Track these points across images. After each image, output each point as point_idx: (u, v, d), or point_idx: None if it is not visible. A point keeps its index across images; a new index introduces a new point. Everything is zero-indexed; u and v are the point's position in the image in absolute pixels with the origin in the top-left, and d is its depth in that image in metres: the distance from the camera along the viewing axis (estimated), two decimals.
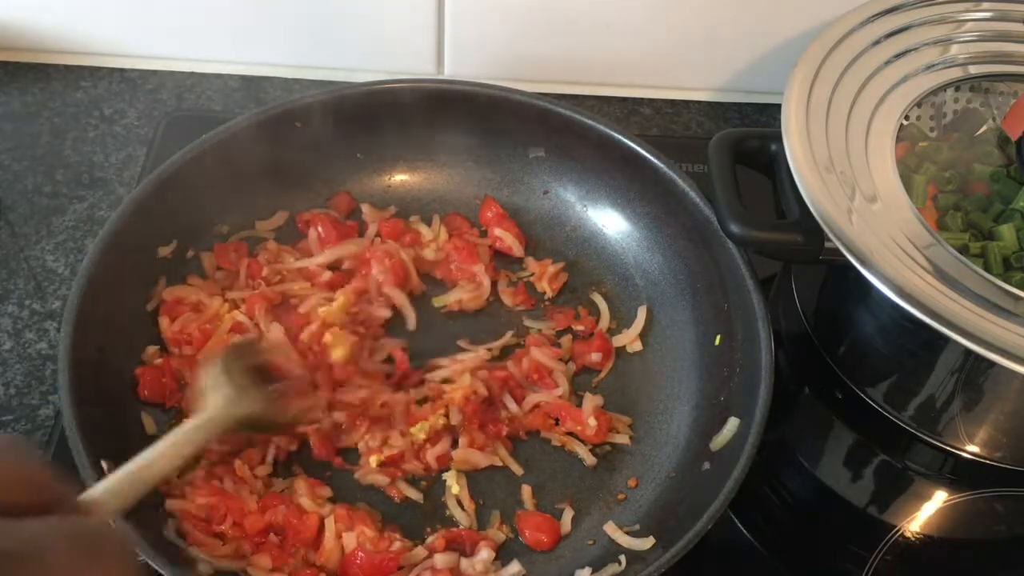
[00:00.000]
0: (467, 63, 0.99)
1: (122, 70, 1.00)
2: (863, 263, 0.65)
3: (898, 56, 0.77)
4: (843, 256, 0.66)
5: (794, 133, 0.71)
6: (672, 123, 1.00)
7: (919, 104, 0.77)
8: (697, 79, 1.01)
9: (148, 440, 0.69)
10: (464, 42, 0.97)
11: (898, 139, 0.74)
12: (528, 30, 0.96)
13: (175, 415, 0.75)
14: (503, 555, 0.71)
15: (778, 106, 0.98)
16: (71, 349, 0.68)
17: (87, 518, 0.44)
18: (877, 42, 0.77)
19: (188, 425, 0.63)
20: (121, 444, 0.66)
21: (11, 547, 0.38)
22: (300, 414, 0.73)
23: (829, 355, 0.80)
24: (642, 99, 1.01)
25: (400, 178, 0.88)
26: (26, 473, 0.41)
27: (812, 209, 0.67)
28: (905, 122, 0.75)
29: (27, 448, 0.44)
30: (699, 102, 1.01)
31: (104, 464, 0.64)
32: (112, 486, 0.54)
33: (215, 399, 0.66)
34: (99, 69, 1.00)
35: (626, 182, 0.83)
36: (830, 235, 0.66)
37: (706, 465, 0.71)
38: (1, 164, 0.92)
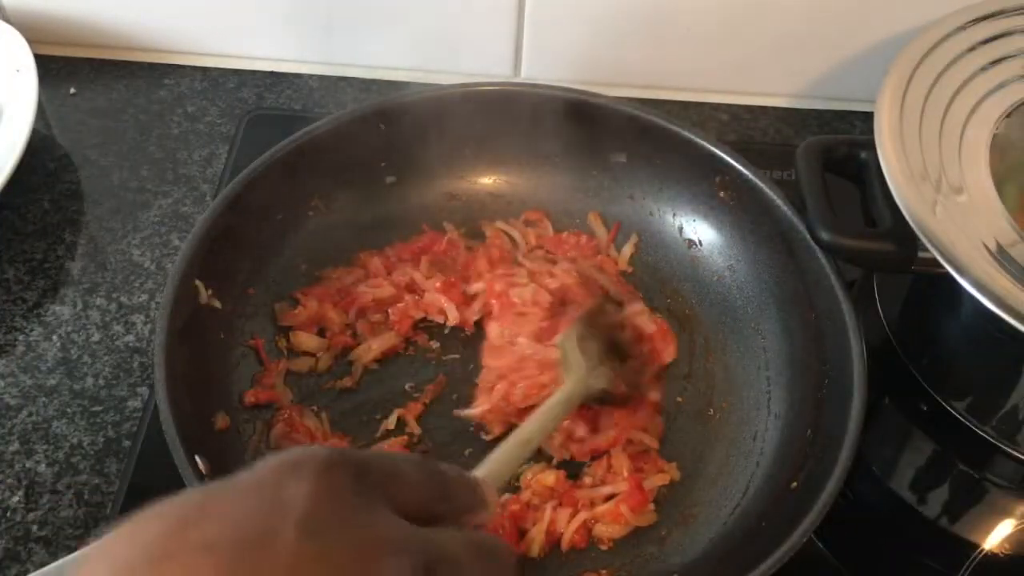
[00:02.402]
0: (544, 66, 0.99)
1: (204, 68, 1.02)
2: (961, 273, 0.64)
3: (994, 63, 0.75)
4: (937, 266, 0.65)
5: (888, 141, 0.71)
6: (750, 129, 0.99)
7: (1009, 115, 0.76)
8: (775, 85, 1.00)
9: (219, 435, 0.72)
10: (542, 45, 0.97)
11: (991, 147, 0.73)
12: (605, 34, 0.96)
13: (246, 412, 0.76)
14: None
15: (858, 113, 1.00)
16: (166, 346, 0.69)
17: (485, 531, 0.49)
18: (972, 48, 0.76)
19: (553, 400, 0.66)
20: (202, 439, 0.68)
21: (433, 556, 0.40)
22: (640, 386, 0.75)
23: (913, 364, 0.79)
24: (719, 104, 1.01)
25: (483, 181, 0.89)
26: (438, 489, 0.45)
27: (908, 218, 0.66)
28: (997, 131, 0.74)
29: (431, 465, 0.46)
30: (777, 108, 1.01)
31: (199, 460, 0.65)
32: (493, 468, 0.56)
33: (574, 374, 0.69)
34: (182, 67, 1.02)
35: (709, 188, 0.83)
36: (927, 244, 0.65)
37: (794, 484, 0.70)
38: (88, 159, 0.94)
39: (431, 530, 0.42)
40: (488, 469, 0.56)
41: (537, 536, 0.70)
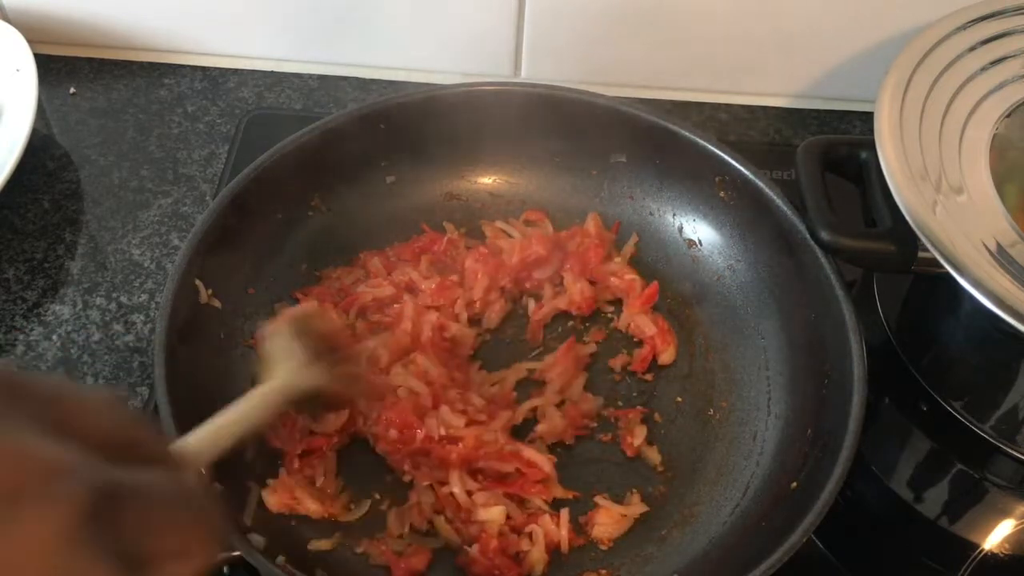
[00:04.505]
0: (544, 66, 0.99)
1: (204, 68, 1.02)
2: (961, 273, 0.64)
3: (994, 63, 0.75)
4: (937, 266, 0.65)
5: (888, 141, 0.71)
6: (750, 129, 0.99)
7: (1009, 115, 0.76)
8: (775, 85, 1.00)
9: None
10: (542, 45, 0.97)
11: (990, 147, 0.73)
12: (605, 34, 0.96)
13: None
14: None
15: (858, 113, 1.00)
16: (165, 346, 0.69)
17: (186, 474, 0.43)
18: (972, 48, 0.76)
19: (264, 388, 0.63)
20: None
21: (121, 485, 0.36)
22: (357, 390, 0.73)
23: (913, 364, 0.79)
24: (719, 104, 1.01)
25: (483, 180, 0.89)
26: (124, 426, 0.40)
27: (908, 218, 0.66)
28: (997, 131, 0.74)
29: (123, 402, 0.42)
30: (777, 108, 1.01)
31: None
32: (201, 438, 0.54)
33: (286, 367, 0.65)
34: (182, 67, 1.02)
35: (709, 188, 0.83)
36: (927, 244, 0.65)
37: (794, 484, 0.70)
38: (88, 159, 0.94)
39: (116, 466, 0.37)
40: (196, 438, 0.54)
41: (539, 557, 0.70)
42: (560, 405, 0.77)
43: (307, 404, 0.69)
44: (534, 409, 0.76)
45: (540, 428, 0.75)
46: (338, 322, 0.78)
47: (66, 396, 0.39)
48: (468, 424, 0.72)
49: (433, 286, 0.80)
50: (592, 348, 0.81)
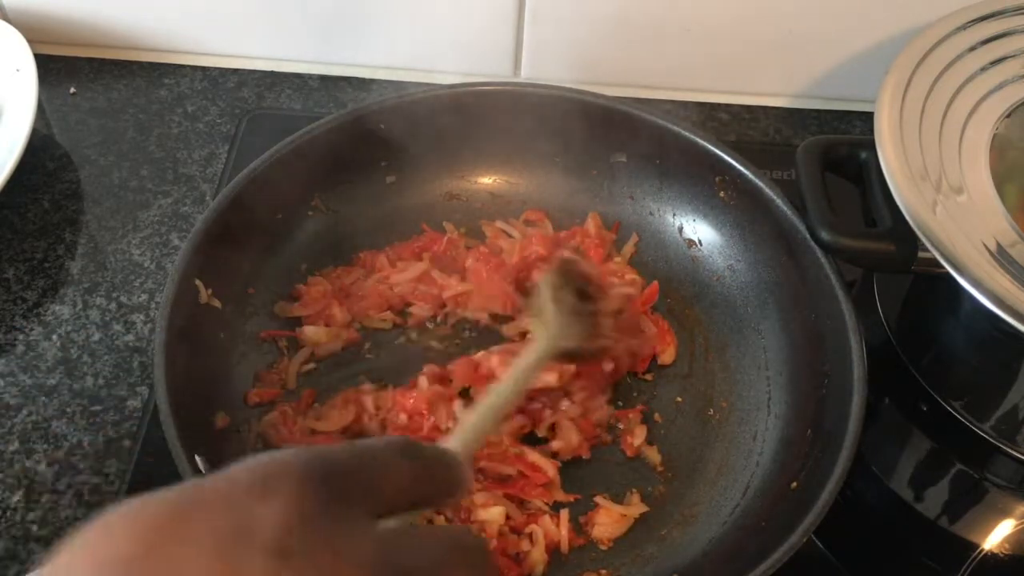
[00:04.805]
0: (544, 66, 0.99)
1: (204, 68, 1.02)
2: (961, 273, 0.64)
3: (994, 63, 0.75)
4: (937, 266, 0.65)
5: (888, 141, 0.71)
6: (750, 129, 0.99)
7: (1009, 115, 0.76)
8: (776, 85, 1.00)
9: (219, 435, 0.72)
10: (542, 45, 0.97)
11: (990, 147, 0.73)
12: (605, 34, 0.96)
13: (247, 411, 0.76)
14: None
15: (858, 113, 1.00)
16: (166, 346, 0.69)
17: (469, 531, 0.49)
18: (972, 48, 0.76)
19: (523, 362, 0.63)
20: (202, 439, 0.68)
21: (405, 570, 0.40)
22: (611, 344, 0.72)
23: (913, 364, 0.79)
24: (719, 104, 1.01)
25: (483, 180, 0.89)
26: (420, 479, 0.44)
27: (908, 218, 0.66)
28: (997, 131, 0.74)
29: (411, 448, 0.45)
30: (777, 108, 1.01)
31: (199, 460, 0.65)
32: (468, 437, 0.54)
33: (545, 332, 0.66)
34: (181, 67, 1.02)
35: (709, 188, 0.83)
36: (927, 244, 0.65)
37: (794, 484, 0.70)
38: (88, 159, 0.94)
39: (406, 535, 0.42)
40: (463, 438, 0.54)
41: (539, 557, 0.69)
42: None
43: (566, 361, 0.70)
44: (552, 426, 0.75)
45: (555, 445, 0.74)
46: (598, 268, 0.77)
47: (367, 467, 0.42)
48: None
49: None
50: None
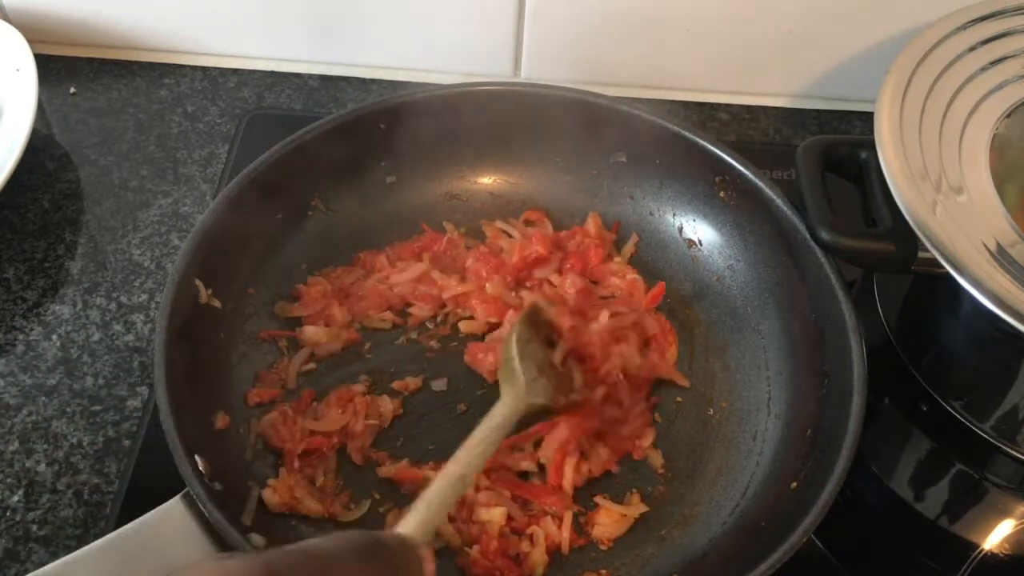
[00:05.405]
0: (544, 66, 0.99)
1: (204, 68, 1.02)
2: (961, 273, 0.64)
3: (994, 63, 0.75)
4: (937, 266, 0.65)
5: (888, 142, 0.71)
6: (750, 129, 0.99)
7: (1009, 115, 0.76)
8: (775, 85, 1.00)
9: (219, 435, 0.72)
10: (542, 45, 0.97)
11: (990, 147, 0.73)
12: (605, 34, 0.96)
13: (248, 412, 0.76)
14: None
15: (858, 114, 1.00)
16: (166, 346, 0.69)
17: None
18: (972, 48, 0.76)
19: (488, 425, 0.62)
20: (202, 439, 0.68)
21: None
22: (577, 397, 0.71)
23: (913, 364, 0.79)
24: (719, 104, 1.01)
25: (483, 180, 0.89)
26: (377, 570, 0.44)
27: (908, 218, 0.66)
28: (997, 131, 0.74)
29: (368, 542, 0.45)
30: (777, 108, 1.01)
31: (200, 461, 0.65)
32: (428, 515, 0.53)
33: (512, 390, 0.65)
34: (181, 67, 1.02)
35: (709, 188, 0.83)
36: (927, 244, 0.65)
37: (794, 484, 0.70)
38: (88, 159, 0.94)
39: None
40: (424, 516, 0.53)
41: (540, 558, 0.70)
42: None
43: (532, 421, 0.68)
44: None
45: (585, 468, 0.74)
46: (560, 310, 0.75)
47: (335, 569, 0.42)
48: None
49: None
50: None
